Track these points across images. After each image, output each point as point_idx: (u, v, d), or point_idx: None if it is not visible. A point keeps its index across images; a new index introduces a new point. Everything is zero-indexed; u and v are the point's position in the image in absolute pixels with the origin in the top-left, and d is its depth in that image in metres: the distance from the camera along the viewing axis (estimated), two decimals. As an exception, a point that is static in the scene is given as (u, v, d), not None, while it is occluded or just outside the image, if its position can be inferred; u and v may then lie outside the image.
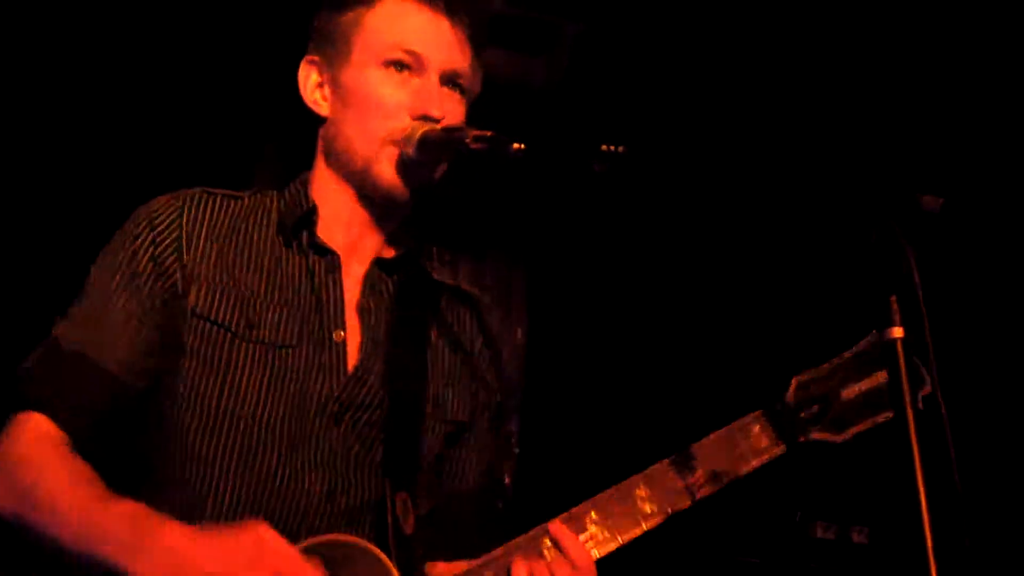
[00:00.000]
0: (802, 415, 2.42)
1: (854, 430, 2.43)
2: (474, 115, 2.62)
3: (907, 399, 1.73)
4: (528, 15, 4.56)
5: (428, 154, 2.48)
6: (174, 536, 2.24)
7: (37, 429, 2.39)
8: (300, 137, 2.66)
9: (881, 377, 2.36)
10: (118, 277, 2.46)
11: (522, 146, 2.35)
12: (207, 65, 4.17)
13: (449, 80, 2.55)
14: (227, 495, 2.39)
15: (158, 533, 2.24)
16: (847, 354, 2.46)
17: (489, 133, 2.40)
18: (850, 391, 2.42)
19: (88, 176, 4.07)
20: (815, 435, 2.43)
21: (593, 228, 4.81)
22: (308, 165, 2.65)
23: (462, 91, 2.58)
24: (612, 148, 2.21)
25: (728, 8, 4.35)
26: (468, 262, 4.94)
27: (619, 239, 4.84)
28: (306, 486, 2.42)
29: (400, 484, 2.45)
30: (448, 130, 2.47)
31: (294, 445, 2.42)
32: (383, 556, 2.36)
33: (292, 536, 2.35)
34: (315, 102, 2.59)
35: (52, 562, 2.32)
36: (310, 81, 2.59)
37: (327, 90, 2.58)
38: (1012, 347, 4.55)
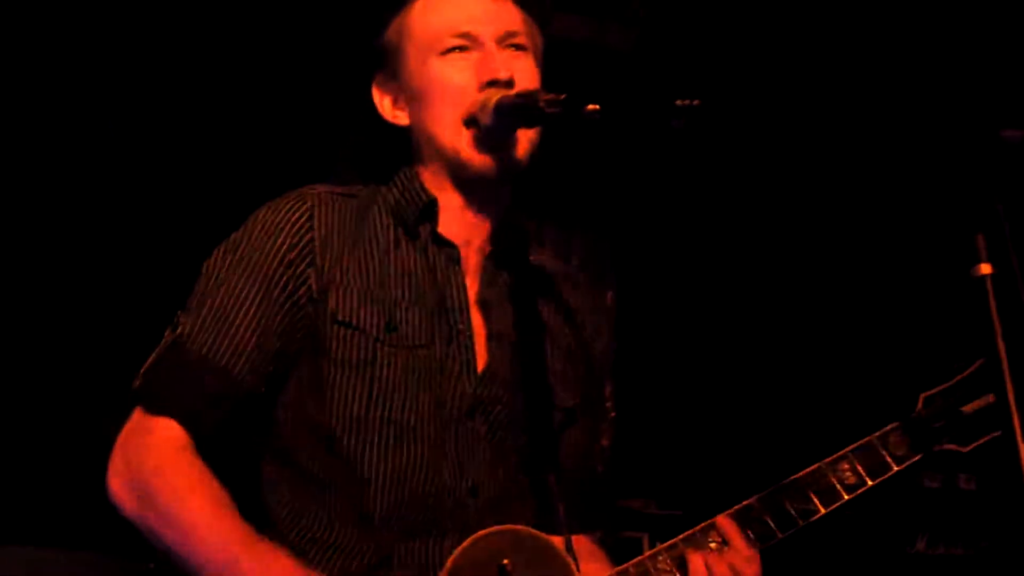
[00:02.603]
0: (933, 427, 2.66)
1: (977, 442, 2.67)
2: (553, 81, 2.60)
3: (999, 335, 1.70)
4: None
5: (504, 120, 2.46)
6: None
7: (169, 436, 2.41)
8: (379, 131, 2.66)
9: (990, 398, 2.57)
10: (249, 278, 2.46)
11: (597, 107, 2.33)
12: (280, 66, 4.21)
13: (507, 42, 2.54)
14: (379, 497, 2.41)
15: None
16: (965, 373, 2.69)
17: (563, 96, 2.39)
18: (969, 408, 2.66)
19: (170, 171, 4.12)
20: (946, 445, 2.67)
21: (676, 192, 4.77)
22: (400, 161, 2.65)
23: (522, 48, 2.56)
24: (688, 102, 2.19)
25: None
26: (555, 232, 4.96)
27: (700, 202, 4.79)
28: (451, 483, 2.44)
29: (551, 472, 2.48)
30: (522, 95, 2.46)
31: (437, 444, 2.44)
32: (560, 546, 2.41)
33: (441, 535, 2.41)
34: (395, 117, 2.61)
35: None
36: (385, 102, 2.62)
37: (401, 102, 2.60)
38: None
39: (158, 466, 2.38)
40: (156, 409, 2.43)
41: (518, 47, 2.56)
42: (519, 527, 2.41)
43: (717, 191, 4.72)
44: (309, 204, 2.51)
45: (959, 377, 2.71)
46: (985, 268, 1.76)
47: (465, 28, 2.53)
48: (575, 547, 2.44)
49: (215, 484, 2.39)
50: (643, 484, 4.51)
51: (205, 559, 2.31)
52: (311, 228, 2.48)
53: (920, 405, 2.68)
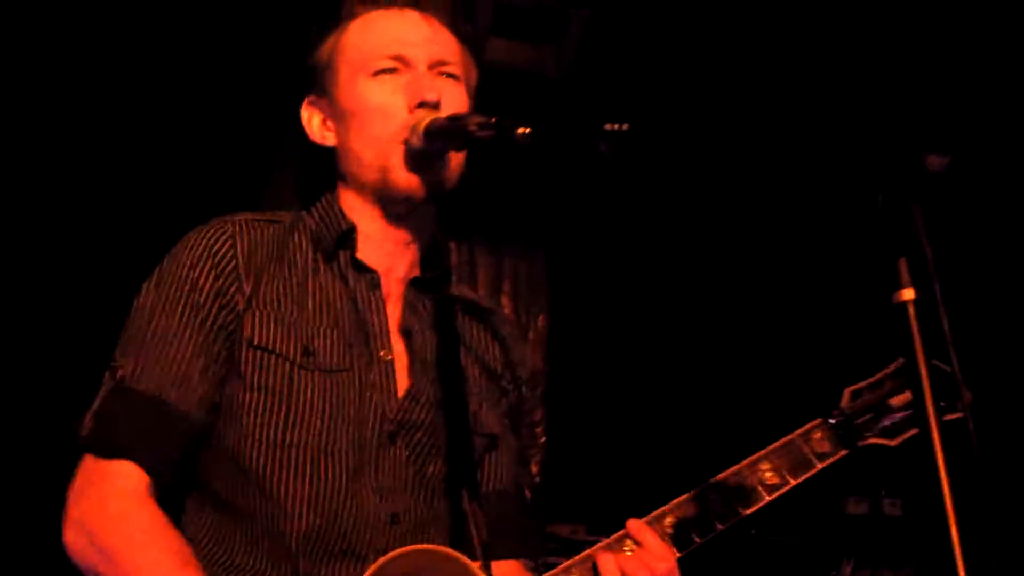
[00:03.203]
0: (858, 422, 2.59)
1: (905, 436, 2.60)
2: (489, 106, 2.60)
3: (922, 363, 1.72)
4: (534, 4, 4.56)
5: (435, 143, 2.46)
6: None
7: (127, 485, 2.36)
8: (313, 156, 2.65)
9: None
10: (180, 311, 2.43)
11: (528, 130, 2.33)
12: (214, 76, 4.19)
13: (438, 69, 2.55)
14: (297, 523, 2.37)
15: None
16: (890, 367, 2.63)
17: (493, 119, 2.39)
18: (897, 400, 2.60)
19: (100, 191, 4.08)
20: (871, 440, 2.60)
21: (608, 212, 4.80)
22: (328, 182, 2.64)
23: (454, 77, 2.57)
24: (616, 127, 2.20)
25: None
26: (486, 256, 4.97)
27: (633, 222, 4.82)
28: (371, 509, 2.41)
29: (468, 495, 2.45)
30: (452, 118, 2.46)
31: (357, 469, 2.42)
32: (475, 567, 2.37)
33: (361, 559, 2.38)
34: (322, 137, 2.60)
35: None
36: (314, 121, 2.61)
37: (330, 122, 2.59)
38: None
39: (115, 517, 2.34)
40: (111, 453, 2.38)
41: (449, 75, 2.56)
42: (436, 547, 2.39)
43: (647, 212, 4.75)
44: (231, 231, 2.49)
45: (886, 371, 2.64)
46: (908, 293, 1.78)
47: (397, 51, 2.53)
48: (498, 570, 2.43)
49: (175, 537, 2.36)
50: (573, 509, 4.51)
51: None
52: (234, 256, 2.46)
53: (846, 400, 2.62)
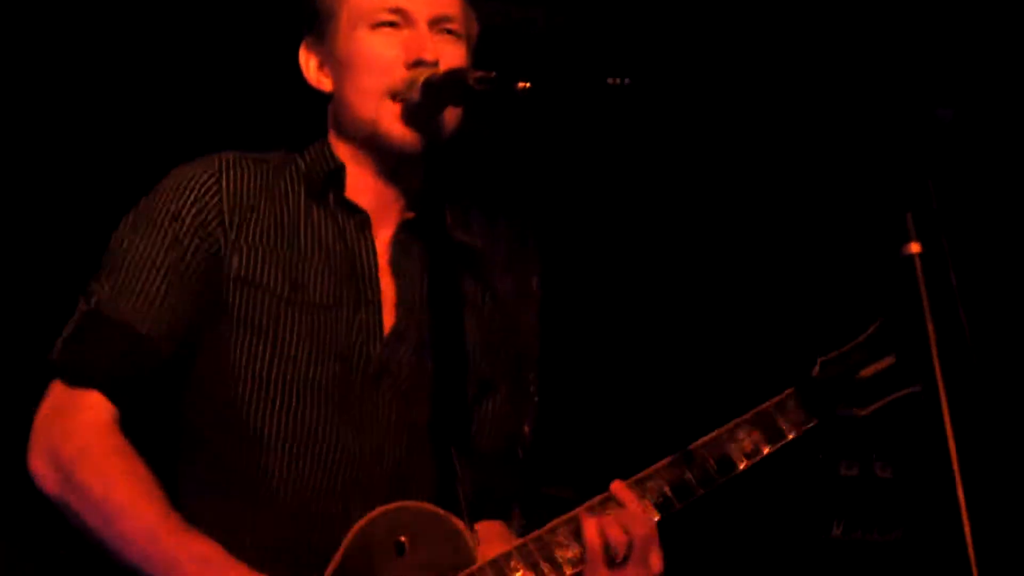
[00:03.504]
0: (829, 392, 2.63)
1: (875, 406, 2.64)
2: (481, 63, 2.59)
3: (928, 317, 1.71)
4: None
5: (432, 97, 2.45)
6: None
7: (95, 416, 2.37)
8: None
9: (889, 360, 2.64)
10: (159, 241, 2.43)
11: (527, 84, 2.33)
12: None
13: (439, 26, 2.54)
14: (282, 461, 2.39)
15: None
16: (861, 337, 2.66)
17: (492, 73, 2.38)
18: (867, 371, 2.63)
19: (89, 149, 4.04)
20: (842, 411, 2.63)
21: (605, 177, 4.78)
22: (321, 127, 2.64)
23: (455, 34, 2.56)
24: (618, 81, 2.19)
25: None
26: (481, 214, 4.94)
27: (624, 185, 4.80)
28: (356, 448, 2.42)
29: (455, 446, 2.46)
30: (450, 72, 2.45)
31: (342, 407, 2.42)
32: (459, 523, 2.40)
33: (346, 497, 2.39)
34: (318, 81, 2.60)
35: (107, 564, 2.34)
36: (311, 64, 2.60)
37: (327, 68, 2.58)
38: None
39: (84, 448, 2.34)
40: (80, 381, 2.39)
41: (451, 32, 2.55)
42: (418, 503, 2.40)
43: (638, 175, 4.74)
44: (217, 167, 2.49)
45: (857, 341, 2.69)
46: (915, 247, 1.77)
47: (400, 4, 2.51)
48: (480, 525, 2.45)
49: (141, 468, 2.36)
50: (564, 471, 4.51)
51: (128, 544, 2.29)
52: (219, 191, 2.46)
53: (817, 370, 2.66)
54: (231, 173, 2.49)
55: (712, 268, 4.84)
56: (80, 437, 2.35)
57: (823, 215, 4.41)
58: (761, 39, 4.17)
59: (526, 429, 4.43)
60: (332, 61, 2.57)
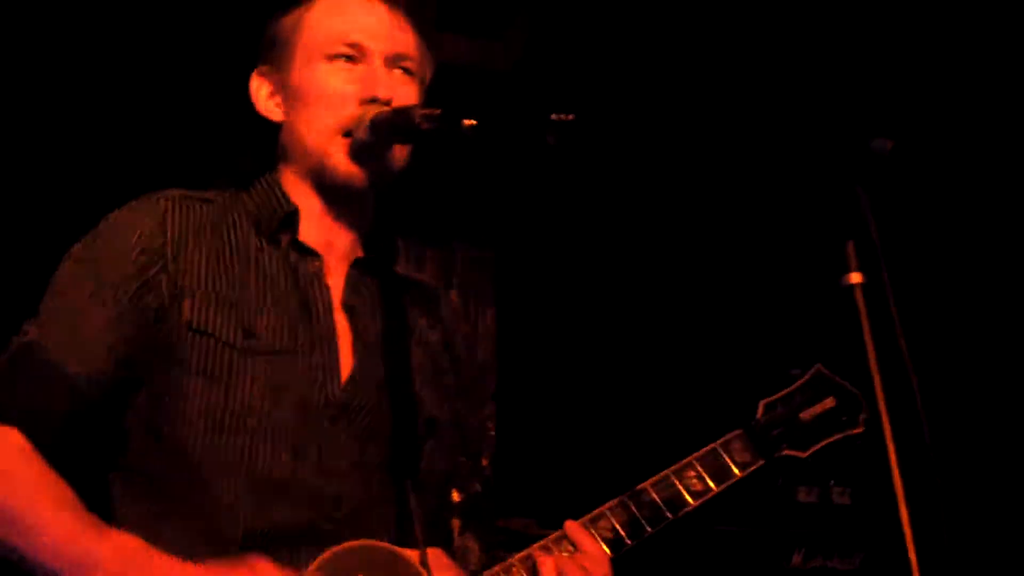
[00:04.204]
0: (773, 434, 2.73)
1: (814, 448, 2.76)
2: (437, 100, 2.60)
3: (870, 346, 1.72)
4: (482, -1, 4.55)
5: (379, 135, 2.45)
6: (165, 570, 2.24)
7: (11, 443, 2.33)
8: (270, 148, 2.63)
9: (828, 403, 2.77)
10: (97, 284, 2.39)
11: (473, 122, 2.34)
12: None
13: (394, 63, 2.54)
14: (235, 506, 2.35)
15: (149, 567, 2.24)
16: (800, 381, 2.80)
17: (438, 111, 2.39)
18: (807, 414, 2.76)
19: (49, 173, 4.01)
20: (786, 451, 2.74)
21: (557, 208, 4.80)
22: (268, 159, 2.62)
23: (410, 73, 2.56)
24: (562, 117, 2.21)
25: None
26: (436, 249, 4.96)
27: (583, 216, 4.83)
28: (313, 493, 2.39)
29: (411, 482, 2.44)
30: (397, 111, 2.45)
31: (299, 452, 2.39)
32: (413, 558, 2.38)
33: (301, 542, 2.36)
34: (268, 110, 2.58)
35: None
36: (262, 92, 2.59)
37: (278, 97, 2.57)
38: (966, 289, 4.59)
39: (8, 475, 2.30)
40: (1, 418, 2.35)
41: (406, 71, 2.55)
42: (372, 542, 2.38)
43: (594, 207, 4.76)
44: (162, 208, 2.46)
45: (797, 384, 2.80)
46: (855, 277, 1.78)
47: (358, 39, 2.51)
48: (436, 560, 2.42)
49: (62, 485, 2.32)
50: (524, 504, 4.51)
51: (49, 553, 2.25)
52: (164, 232, 2.43)
53: (761, 412, 2.75)
54: (175, 215, 2.45)
55: (657, 304, 4.88)
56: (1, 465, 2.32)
57: (765, 249, 4.46)
58: (704, 74, 4.21)
59: (484, 463, 4.43)
60: (285, 91, 2.55)
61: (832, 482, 4.40)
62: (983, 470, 4.53)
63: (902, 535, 1.78)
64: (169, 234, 2.43)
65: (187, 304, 2.40)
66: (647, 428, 4.64)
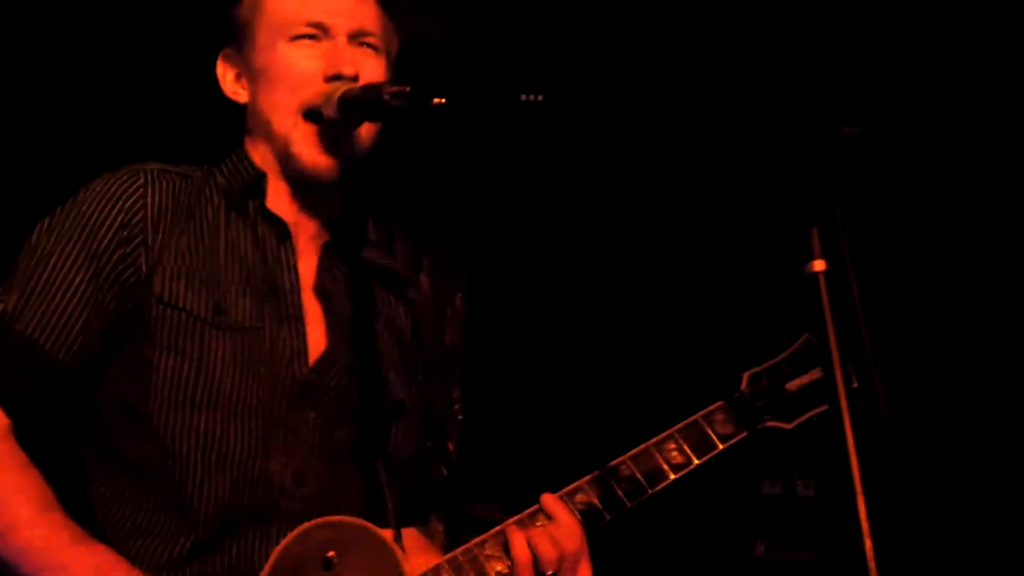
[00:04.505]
0: (757, 405, 2.67)
1: (801, 419, 2.70)
2: (406, 76, 2.58)
3: (832, 335, 1.72)
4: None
5: (348, 113, 2.43)
6: None
7: None
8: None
9: (815, 374, 2.67)
10: (77, 256, 2.38)
11: (443, 100, 2.32)
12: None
13: (359, 40, 2.52)
14: (203, 484, 2.36)
15: None
16: (788, 351, 2.73)
17: (408, 88, 2.37)
18: (793, 384, 2.69)
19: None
20: (770, 423, 2.68)
21: (524, 193, 4.79)
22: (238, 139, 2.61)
23: (375, 49, 2.54)
24: (531, 97, 2.20)
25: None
26: (405, 233, 4.94)
27: (547, 202, 4.82)
28: (279, 469, 2.39)
29: (380, 461, 2.45)
30: (366, 88, 2.44)
31: (267, 429, 2.40)
32: (387, 536, 2.39)
33: (266, 523, 2.36)
34: (234, 92, 2.57)
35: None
36: (228, 76, 2.59)
37: (244, 80, 2.56)
38: (931, 279, 4.61)
39: None
40: None
41: (370, 46, 2.53)
42: (346, 518, 2.38)
43: (560, 191, 4.76)
44: (143, 180, 2.44)
45: (784, 355, 2.74)
46: (819, 264, 1.78)
47: (319, 17, 2.50)
48: (406, 539, 2.42)
49: (37, 479, 2.32)
50: (490, 489, 4.51)
51: (25, 559, 2.25)
52: (143, 206, 2.42)
53: (745, 383, 2.70)
54: (156, 187, 2.44)
55: (635, 280, 4.87)
56: None
57: (736, 228, 4.46)
58: (671, 60, 4.21)
59: (451, 447, 4.43)
60: (249, 73, 2.54)
61: (796, 474, 4.42)
62: (945, 461, 4.55)
63: (854, 524, 1.78)
64: (149, 208, 2.42)
65: (159, 278, 2.39)
66: (630, 406, 4.63)
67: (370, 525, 2.38)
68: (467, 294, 4.75)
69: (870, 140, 1.76)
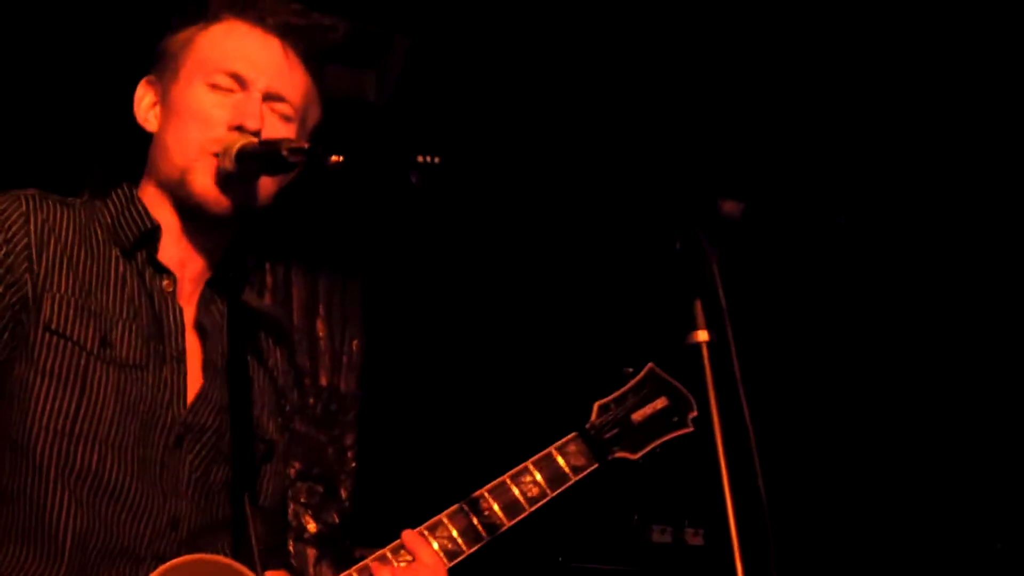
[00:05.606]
0: (605, 436, 2.72)
1: (645, 449, 2.75)
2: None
3: (713, 403, 1.77)
4: (358, 27, 4.55)
5: (246, 166, 2.44)
6: None
7: None
8: (130, 158, 2.62)
9: (659, 404, 2.76)
10: None
11: (340, 158, 2.34)
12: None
13: (273, 101, 2.53)
14: (74, 516, 2.32)
15: None
16: (632, 382, 2.79)
17: (306, 145, 2.40)
18: (638, 415, 2.75)
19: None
20: (618, 454, 2.73)
21: (424, 240, 4.83)
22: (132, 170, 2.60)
23: (286, 118, 2.55)
24: (428, 159, 2.23)
25: (547, 25, 4.42)
26: (304, 276, 4.94)
27: (449, 250, 4.86)
28: (153, 511, 2.38)
29: (249, 503, 2.44)
30: (265, 143, 2.45)
31: (142, 468, 2.38)
32: (248, 572, 2.38)
33: (137, 562, 2.34)
34: (146, 120, 2.56)
35: None
36: (144, 101, 2.57)
37: (158, 108, 2.55)
38: (813, 346, 4.72)
39: None
40: None
41: (282, 114, 2.54)
42: (212, 556, 2.39)
43: (458, 241, 4.81)
44: (25, 208, 2.42)
45: (629, 385, 2.79)
46: (702, 335, 1.82)
47: (240, 70, 2.50)
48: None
49: None
50: (383, 534, 4.50)
51: None
52: (27, 233, 2.39)
53: (595, 414, 2.75)
54: (39, 215, 2.42)
55: (505, 326, 4.94)
56: None
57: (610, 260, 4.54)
58: (564, 127, 4.29)
59: (343, 494, 4.41)
60: (164, 103, 2.54)
61: (686, 522, 4.47)
62: (815, 524, 4.66)
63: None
64: (32, 234, 2.40)
65: (47, 305, 2.37)
66: (499, 438, 4.68)
67: (235, 563, 2.39)
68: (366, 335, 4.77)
69: (754, 214, 1.81)
